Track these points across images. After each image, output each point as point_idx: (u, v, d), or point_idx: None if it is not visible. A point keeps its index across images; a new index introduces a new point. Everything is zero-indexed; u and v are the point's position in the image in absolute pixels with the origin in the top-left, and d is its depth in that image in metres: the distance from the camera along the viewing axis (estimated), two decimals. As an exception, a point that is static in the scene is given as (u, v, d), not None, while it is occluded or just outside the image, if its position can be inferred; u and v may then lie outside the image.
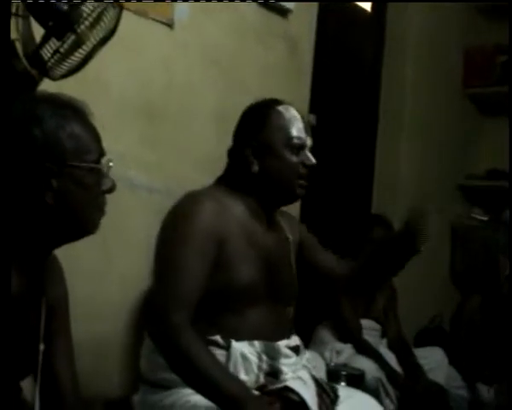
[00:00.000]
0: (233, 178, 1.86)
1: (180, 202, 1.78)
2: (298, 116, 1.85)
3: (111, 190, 1.35)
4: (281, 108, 1.84)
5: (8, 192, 1.21)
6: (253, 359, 1.71)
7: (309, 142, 1.86)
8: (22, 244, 1.27)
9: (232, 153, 1.88)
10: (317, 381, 1.78)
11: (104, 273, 2.24)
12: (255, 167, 1.80)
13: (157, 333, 1.65)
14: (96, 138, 1.33)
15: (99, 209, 1.34)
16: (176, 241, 1.69)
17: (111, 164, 1.34)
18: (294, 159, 1.82)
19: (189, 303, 1.64)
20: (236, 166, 1.85)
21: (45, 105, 1.27)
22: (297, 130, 1.82)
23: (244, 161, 1.82)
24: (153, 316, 1.67)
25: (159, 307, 1.65)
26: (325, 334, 3.11)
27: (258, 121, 1.84)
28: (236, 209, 1.80)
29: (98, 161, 1.31)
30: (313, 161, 1.84)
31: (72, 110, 1.30)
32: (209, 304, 1.70)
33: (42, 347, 1.34)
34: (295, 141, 1.82)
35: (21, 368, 1.28)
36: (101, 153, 1.33)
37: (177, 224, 1.72)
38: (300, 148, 1.83)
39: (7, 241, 1.19)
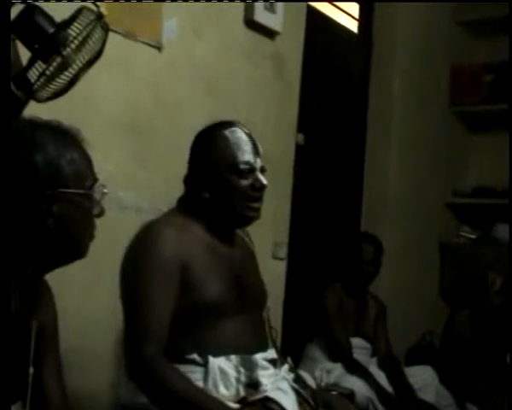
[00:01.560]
0: (189, 203, 1.87)
1: (139, 233, 1.79)
2: (245, 139, 1.83)
3: (100, 214, 1.37)
4: (227, 132, 1.83)
5: (8, 216, 1.23)
6: (231, 372, 1.72)
7: (258, 163, 1.84)
8: (18, 267, 1.28)
9: (187, 179, 1.89)
10: (297, 391, 1.78)
11: (92, 290, 2.24)
12: (205, 194, 1.82)
13: (131, 368, 1.68)
14: (90, 164, 1.35)
15: (92, 232, 1.37)
16: (140, 274, 1.72)
17: (105, 190, 1.36)
18: (243, 183, 1.80)
19: (158, 335, 1.67)
20: (190, 192, 1.87)
21: (45, 132, 1.29)
22: (244, 154, 1.81)
23: (195, 187, 1.84)
24: (126, 352, 1.71)
25: (130, 342, 1.69)
26: (315, 353, 3.10)
27: (205, 148, 1.85)
28: (196, 229, 1.82)
29: (92, 187, 1.34)
30: (263, 182, 1.82)
31: (70, 137, 1.33)
32: (184, 323, 1.73)
33: (31, 370, 1.33)
34: (242, 166, 1.80)
35: (11, 392, 1.27)
36: (95, 178, 1.35)
37: (139, 257, 1.74)
38: (249, 171, 1.82)
39: (7, 264, 1.20)
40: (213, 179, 1.81)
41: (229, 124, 1.85)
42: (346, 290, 3.22)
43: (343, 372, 2.97)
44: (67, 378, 1.49)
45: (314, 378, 2.86)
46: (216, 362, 1.70)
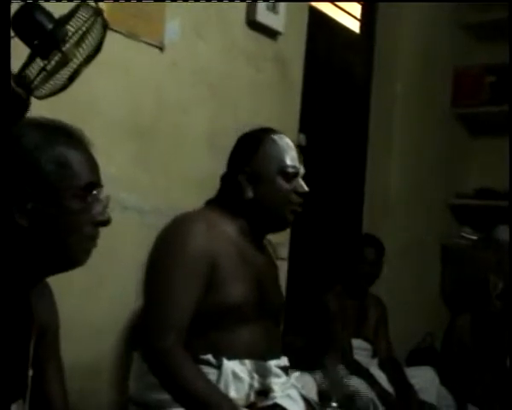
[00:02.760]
0: (225, 202, 1.88)
1: (171, 225, 1.81)
2: (291, 145, 1.89)
3: (105, 222, 1.30)
4: (275, 136, 1.88)
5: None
6: (245, 377, 1.72)
7: (302, 170, 1.89)
8: (11, 270, 1.24)
9: (226, 178, 1.91)
10: (305, 399, 1.79)
11: (94, 292, 2.23)
12: (249, 194, 1.83)
13: (148, 356, 1.70)
14: (89, 165, 1.29)
15: (87, 239, 1.29)
16: (167, 264, 1.72)
17: (98, 193, 1.30)
18: (287, 186, 1.85)
19: (178, 326, 1.68)
20: (230, 192, 1.88)
21: (30, 128, 1.25)
22: (291, 158, 1.86)
23: (238, 186, 1.85)
24: (143, 339, 1.72)
25: (149, 330, 1.70)
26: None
27: (252, 148, 1.87)
28: (228, 229, 1.83)
29: (88, 189, 1.28)
30: (306, 188, 1.87)
31: (64, 135, 1.28)
32: (202, 323, 1.73)
33: (30, 372, 1.33)
34: (289, 169, 1.85)
35: (10, 393, 1.26)
36: (94, 181, 1.29)
37: (168, 247, 1.75)
38: (294, 176, 1.86)
39: (3, 265, 1.18)
40: (259, 179, 1.84)
41: (274, 130, 1.91)
42: (347, 292, 3.22)
43: (344, 373, 2.97)
44: (68, 379, 1.49)
45: (315, 380, 2.86)
46: (230, 365, 1.71)
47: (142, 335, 1.73)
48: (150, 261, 1.78)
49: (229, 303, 1.75)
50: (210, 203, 1.92)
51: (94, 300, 2.23)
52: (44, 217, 1.22)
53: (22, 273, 1.27)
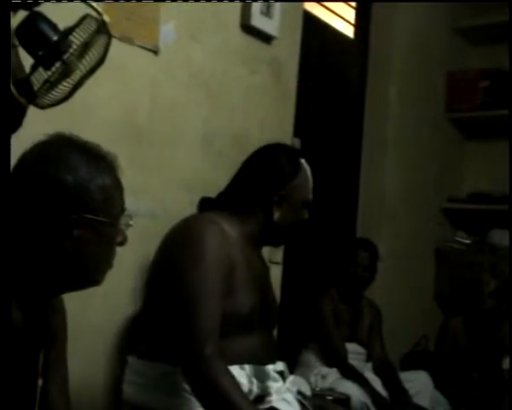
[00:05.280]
0: (237, 208, 1.87)
1: (184, 228, 1.79)
2: (310, 174, 1.95)
3: (122, 243, 1.35)
4: (305, 163, 1.93)
5: (26, 233, 1.21)
6: (244, 382, 1.72)
7: None
8: (30, 285, 1.26)
9: (253, 189, 1.89)
10: (301, 403, 1.80)
11: (89, 295, 2.22)
12: (277, 216, 1.84)
13: (190, 366, 1.66)
14: (121, 193, 1.34)
15: (110, 262, 1.34)
16: (193, 272, 1.69)
17: (131, 223, 1.35)
18: (304, 215, 1.93)
19: (216, 334, 1.66)
20: (253, 205, 1.87)
21: (79, 153, 1.28)
22: (311, 190, 1.93)
23: (268, 205, 1.85)
24: (184, 350, 1.67)
25: (190, 341, 1.66)
26: (311, 358, 3.10)
27: (291, 173, 1.89)
28: (233, 234, 1.81)
29: (119, 216, 1.31)
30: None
31: (105, 162, 1.31)
32: None
33: (40, 382, 1.32)
34: (310, 202, 1.93)
35: (18, 403, 1.25)
36: (123, 208, 1.33)
37: (190, 253, 1.72)
38: None
39: (10, 279, 1.18)
40: (288, 204, 1.87)
41: (301, 151, 1.98)
42: (341, 296, 3.22)
43: (338, 377, 2.97)
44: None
45: (309, 383, 2.86)
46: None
47: (183, 346, 1.68)
48: (176, 269, 1.73)
49: (240, 313, 1.74)
50: (216, 204, 1.91)
51: (88, 299, 2.23)
52: (84, 243, 1.26)
53: (45, 288, 1.29)
